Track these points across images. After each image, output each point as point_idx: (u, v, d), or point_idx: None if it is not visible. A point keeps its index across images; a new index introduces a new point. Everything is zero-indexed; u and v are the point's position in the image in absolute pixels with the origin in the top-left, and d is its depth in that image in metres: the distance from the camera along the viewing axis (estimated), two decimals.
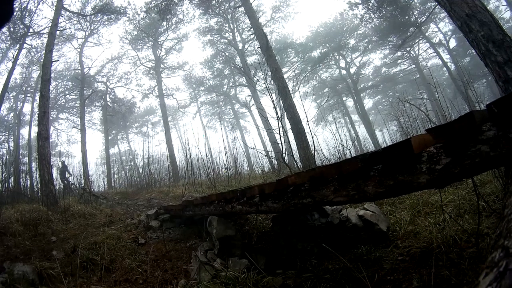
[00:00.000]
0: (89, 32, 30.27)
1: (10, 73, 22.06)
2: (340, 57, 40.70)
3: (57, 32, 17.65)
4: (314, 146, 10.15)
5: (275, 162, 16.49)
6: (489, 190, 4.64)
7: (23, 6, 22.89)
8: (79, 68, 31.69)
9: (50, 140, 15.24)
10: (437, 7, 21.92)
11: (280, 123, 9.49)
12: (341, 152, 12.32)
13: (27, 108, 32.17)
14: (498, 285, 0.87)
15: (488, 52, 6.85)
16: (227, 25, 34.51)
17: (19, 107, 32.25)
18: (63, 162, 20.27)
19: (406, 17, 30.07)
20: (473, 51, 8.00)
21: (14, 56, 23.75)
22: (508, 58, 6.51)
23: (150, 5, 27.98)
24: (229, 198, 4.82)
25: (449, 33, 34.57)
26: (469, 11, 7.19)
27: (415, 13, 30.11)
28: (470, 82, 9.65)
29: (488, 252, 1.17)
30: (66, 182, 18.70)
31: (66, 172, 19.47)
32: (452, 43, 35.34)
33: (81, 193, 13.88)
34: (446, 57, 34.28)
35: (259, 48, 18.38)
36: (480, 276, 1.01)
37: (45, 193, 11.54)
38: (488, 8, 7.63)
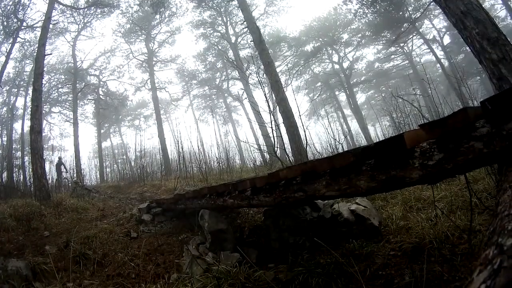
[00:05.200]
0: (82, 25, 30.13)
1: (3, 67, 22.00)
2: (333, 52, 40.80)
3: (50, 26, 17.56)
4: (306, 140, 10.14)
5: (267, 155, 16.51)
6: (482, 187, 4.67)
7: (16, 0, 22.76)
8: (72, 61, 31.62)
9: (43, 134, 15.20)
10: (432, 3, 21.94)
11: (272, 116, 9.50)
12: (333, 147, 12.33)
13: (20, 102, 32.06)
14: (492, 282, 0.86)
15: (482, 50, 6.86)
16: (220, 19, 34.48)
17: (12, 101, 32.10)
18: (60, 158, 20.12)
19: (400, 13, 30.17)
20: (468, 48, 8.02)
21: (8, 50, 23.61)
22: (503, 56, 6.54)
23: None
24: (220, 192, 4.82)
25: (444, 29, 34.66)
26: (464, 8, 7.20)
27: (409, 9, 30.19)
28: (464, 79, 9.69)
29: (482, 249, 1.18)
30: (59, 176, 18.23)
31: (62, 165, 19.42)
32: (446, 39, 35.47)
33: (74, 187, 13.83)
34: (440, 53, 34.40)
35: (252, 42, 18.42)
36: (474, 273, 1.01)
37: (38, 187, 11.50)
38: (483, 6, 7.65)
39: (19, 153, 28.85)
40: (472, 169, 2.12)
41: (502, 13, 32.74)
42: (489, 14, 7.26)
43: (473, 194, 3.85)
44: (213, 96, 46.04)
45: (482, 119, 1.58)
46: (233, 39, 34.64)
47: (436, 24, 34.83)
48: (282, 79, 31.94)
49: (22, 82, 31.62)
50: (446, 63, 33.12)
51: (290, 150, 13.05)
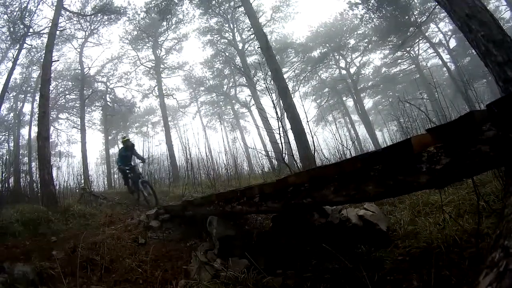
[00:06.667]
0: (89, 32, 30.33)
1: (10, 73, 22.07)
2: (340, 57, 40.81)
3: (57, 32, 17.68)
4: (314, 146, 10.16)
5: (275, 162, 16.50)
6: (489, 190, 4.64)
7: (23, 6, 22.90)
8: (79, 68, 31.74)
9: (50, 140, 15.25)
10: (437, 7, 21.93)
11: (280, 123, 9.49)
12: (341, 152, 12.33)
13: (27, 108, 32.25)
14: (498, 285, 0.87)
15: (488, 52, 6.86)
16: (227, 25, 34.56)
17: (19, 107, 32.29)
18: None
19: (406, 17, 30.11)
20: (473, 51, 8.02)
21: (14, 56, 23.78)
22: (508, 58, 6.53)
23: (150, 5, 28.09)
24: (229, 198, 4.82)
25: (449, 33, 34.59)
26: (469, 11, 7.20)
27: (415, 13, 30.15)
28: (470, 82, 9.69)
29: (488, 252, 1.18)
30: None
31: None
32: (452, 43, 35.39)
33: (81, 193, 13.85)
34: (446, 57, 34.35)
35: (259, 48, 18.50)
36: (480, 276, 1.01)
37: (45, 193, 11.53)
38: (488, 8, 7.65)
39: (26, 159, 28.97)
40: (479, 172, 2.12)
41: (507, 14, 32.67)
42: (493, 16, 7.26)
43: (480, 197, 3.84)
44: (221, 103, 46.10)
45: (489, 122, 1.58)
46: (240, 45, 34.70)
47: (442, 27, 34.82)
48: (290, 85, 31.98)
49: (29, 88, 31.80)
50: (452, 67, 33.09)
51: (298, 156, 13.04)
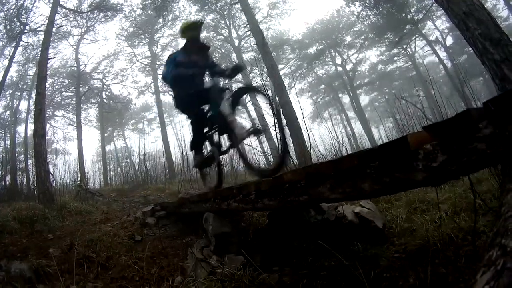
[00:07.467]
0: (85, 29, 30.16)
1: (7, 71, 22.02)
2: (336, 54, 40.85)
3: (54, 30, 17.63)
4: (310, 142, 10.14)
5: (271, 158, 16.50)
6: (486, 188, 4.66)
7: (19, 3, 22.78)
8: (75, 65, 31.63)
9: (47, 138, 15.22)
10: (434, 4, 21.94)
11: (276, 119, 9.48)
12: (337, 149, 12.32)
13: (23, 105, 32.23)
14: (496, 283, 0.86)
15: (485, 50, 6.85)
16: (223, 22, 34.45)
17: (15, 105, 32.21)
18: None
19: (403, 15, 30.14)
20: (470, 49, 8.00)
21: (10, 54, 23.69)
22: (505, 57, 6.53)
23: (147, 2, 27.97)
24: (225, 195, 4.80)
25: (446, 30, 34.69)
26: (466, 9, 7.19)
27: (412, 11, 30.19)
28: (467, 79, 9.68)
29: (485, 250, 1.18)
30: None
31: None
32: (449, 40, 35.50)
33: (77, 190, 13.83)
34: (442, 54, 34.49)
35: (255, 45, 18.46)
36: (478, 274, 1.01)
37: (42, 190, 11.47)
38: (485, 6, 7.64)
39: (22, 157, 28.93)
40: (476, 170, 2.12)
41: (504, 13, 32.77)
42: (491, 15, 7.25)
43: (477, 195, 3.84)
44: None
45: (485, 120, 1.57)
46: (236, 42, 34.65)
47: (439, 25, 34.87)
48: (286, 82, 31.96)
49: (25, 86, 31.69)
50: (449, 64, 33.17)
51: (294, 153, 13.03)
